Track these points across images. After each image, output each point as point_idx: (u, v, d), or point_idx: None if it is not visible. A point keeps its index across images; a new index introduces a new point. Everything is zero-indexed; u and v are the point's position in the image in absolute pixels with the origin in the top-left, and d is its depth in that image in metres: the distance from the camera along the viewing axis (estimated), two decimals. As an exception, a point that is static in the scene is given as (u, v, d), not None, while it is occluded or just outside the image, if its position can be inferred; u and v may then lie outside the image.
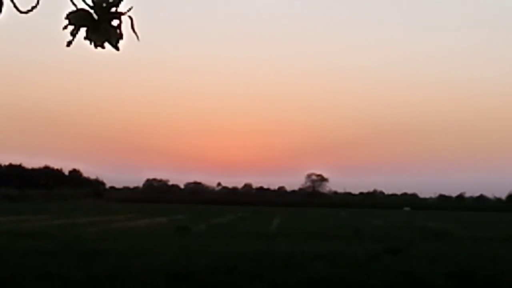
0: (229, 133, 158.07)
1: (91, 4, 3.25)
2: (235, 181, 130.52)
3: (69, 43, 3.29)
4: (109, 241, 21.19)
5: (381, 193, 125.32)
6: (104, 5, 3.23)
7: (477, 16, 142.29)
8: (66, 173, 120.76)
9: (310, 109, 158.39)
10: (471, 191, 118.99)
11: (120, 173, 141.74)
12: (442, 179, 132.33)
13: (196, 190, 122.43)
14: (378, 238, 26.25)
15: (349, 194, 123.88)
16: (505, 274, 14.26)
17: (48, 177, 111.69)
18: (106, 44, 3.30)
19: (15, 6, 3.26)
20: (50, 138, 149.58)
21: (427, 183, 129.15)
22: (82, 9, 3.26)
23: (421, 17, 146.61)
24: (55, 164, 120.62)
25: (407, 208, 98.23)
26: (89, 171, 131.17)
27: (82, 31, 3.29)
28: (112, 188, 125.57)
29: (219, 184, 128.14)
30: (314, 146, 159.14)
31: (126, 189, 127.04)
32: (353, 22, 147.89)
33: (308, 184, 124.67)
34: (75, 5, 3.26)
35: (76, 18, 3.24)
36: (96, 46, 3.29)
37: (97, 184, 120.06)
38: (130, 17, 3.27)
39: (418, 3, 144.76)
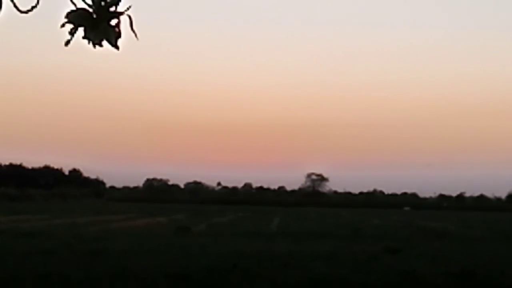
0: (229, 133, 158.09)
1: (90, 3, 3.25)
2: (235, 181, 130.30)
3: (67, 42, 3.28)
4: (109, 241, 21.18)
5: (381, 193, 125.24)
6: (103, 4, 3.23)
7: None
8: (66, 172, 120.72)
9: (310, 109, 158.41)
10: (471, 191, 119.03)
11: (120, 172, 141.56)
12: (442, 179, 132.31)
13: (196, 190, 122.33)
14: (378, 238, 26.25)
15: (349, 194, 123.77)
16: (505, 274, 14.26)
17: (48, 176, 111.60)
18: (105, 43, 3.29)
19: (15, 5, 3.25)
20: (50, 138, 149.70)
21: (427, 183, 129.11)
22: (82, 9, 3.25)
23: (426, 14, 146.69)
24: (55, 164, 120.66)
25: (407, 208, 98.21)
26: (89, 171, 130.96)
27: (81, 31, 3.28)
28: (112, 187, 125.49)
29: (219, 184, 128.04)
30: (314, 146, 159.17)
31: (126, 188, 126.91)
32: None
33: (308, 183, 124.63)
34: (74, 4, 3.26)
35: (76, 17, 3.23)
36: (94, 45, 3.28)
37: (97, 183, 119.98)
38: (129, 16, 3.27)
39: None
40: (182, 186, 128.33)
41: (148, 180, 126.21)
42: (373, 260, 16.47)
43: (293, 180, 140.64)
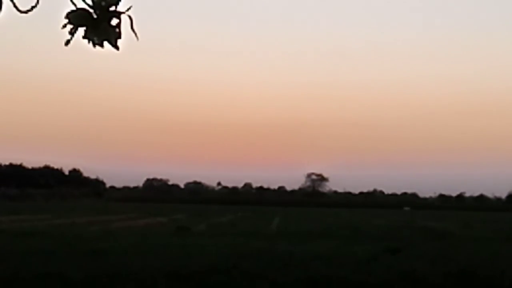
0: (229, 132, 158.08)
1: (90, 3, 3.24)
2: (235, 181, 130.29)
3: (67, 42, 3.28)
4: (109, 241, 21.18)
5: (381, 193, 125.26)
6: (103, 4, 3.22)
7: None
8: (66, 172, 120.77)
9: (310, 109, 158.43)
10: (471, 191, 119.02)
11: (120, 172, 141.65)
12: (442, 179, 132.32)
13: (196, 190, 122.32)
14: (378, 238, 26.25)
15: (349, 194, 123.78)
16: (505, 274, 14.25)
17: (48, 176, 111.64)
18: (105, 43, 3.29)
19: (15, 5, 3.25)
20: (51, 138, 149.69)
21: (427, 183, 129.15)
22: (82, 9, 3.25)
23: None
24: (55, 164, 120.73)
25: (407, 208, 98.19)
26: (89, 171, 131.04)
27: (81, 30, 3.28)
28: (112, 187, 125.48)
29: (219, 184, 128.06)
30: (314, 146, 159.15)
31: (126, 188, 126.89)
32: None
33: (308, 183, 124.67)
34: (74, 4, 3.26)
35: (76, 18, 3.23)
36: (94, 45, 3.28)
37: (97, 183, 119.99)
38: (129, 16, 3.27)
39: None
40: (182, 186, 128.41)
41: (148, 180, 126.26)
42: (373, 260, 16.46)
43: (293, 180, 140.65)
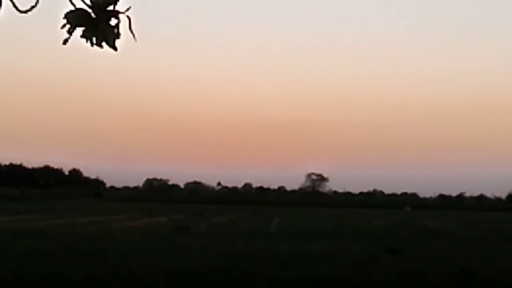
0: (229, 132, 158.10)
1: (89, 3, 3.24)
2: (235, 181, 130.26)
3: (65, 41, 3.28)
4: (109, 241, 21.18)
5: (381, 193, 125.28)
6: (101, 2, 3.22)
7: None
8: (66, 172, 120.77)
9: (310, 109, 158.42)
10: (471, 191, 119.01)
11: (120, 172, 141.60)
12: (442, 179, 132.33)
13: (196, 190, 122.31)
14: (378, 238, 26.24)
15: (349, 194, 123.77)
16: (505, 274, 14.25)
17: (48, 176, 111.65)
18: (104, 45, 3.29)
19: (14, 5, 3.25)
20: (50, 138, 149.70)
21: (427, 183, 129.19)
22: (81, 9, 3.25)
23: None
24: (55, 164, 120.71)
25: (408, 208, 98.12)
26: (89, 171, 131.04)
27: (79, 29, 3.28)
28: (112, 187, 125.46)
29: (219, 183, 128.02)
30: (314, 146, 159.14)
31: (126, 188, 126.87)
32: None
33: (308, 183, 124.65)
34: (73, 4, 3.25)
35: (74, 18, 3.23)
36: (92, 44, 3.27)
37: (97, 183, 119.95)
38: (128, 16, 3.26)
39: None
40: (182, 186, 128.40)
41: (148, 180, 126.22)
42: (373, 260, 16.47)
43: (293, 180, 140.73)
